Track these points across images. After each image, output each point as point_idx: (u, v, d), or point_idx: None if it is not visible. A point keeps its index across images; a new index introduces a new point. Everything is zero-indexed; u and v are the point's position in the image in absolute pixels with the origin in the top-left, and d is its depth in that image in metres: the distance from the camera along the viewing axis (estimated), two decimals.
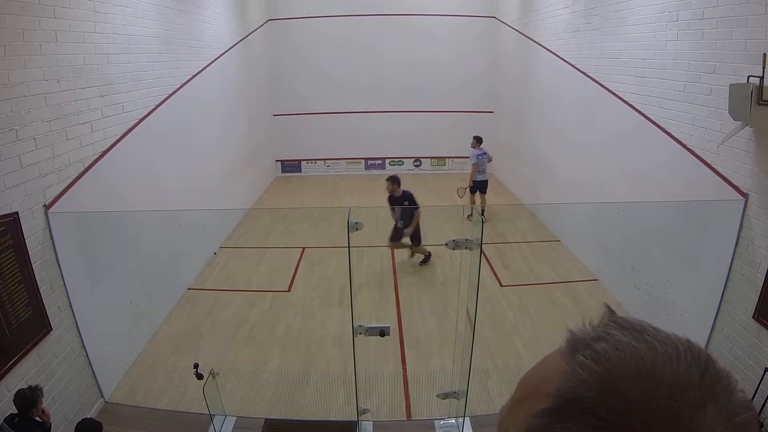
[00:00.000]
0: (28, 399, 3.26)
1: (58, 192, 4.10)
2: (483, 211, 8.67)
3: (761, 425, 3.76)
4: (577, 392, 0.43)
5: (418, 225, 7.11)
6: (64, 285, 4.14)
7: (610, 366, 0.43)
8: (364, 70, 12.58)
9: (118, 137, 5.08)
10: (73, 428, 3.61)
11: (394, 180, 7.18)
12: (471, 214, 7.89)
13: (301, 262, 7.69)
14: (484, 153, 9.17)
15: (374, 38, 12.42)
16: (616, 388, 0.41)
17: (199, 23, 7.63)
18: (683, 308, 5.01)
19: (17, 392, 3.31)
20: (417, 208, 7.11)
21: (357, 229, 4.27)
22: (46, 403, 3.48)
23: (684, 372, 0.42)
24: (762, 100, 3.63)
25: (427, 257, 7.44)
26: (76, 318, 4.27)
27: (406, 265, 7.57)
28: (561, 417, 0.43)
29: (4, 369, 3.46)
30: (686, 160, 4.96)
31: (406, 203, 7.04)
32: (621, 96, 6.32)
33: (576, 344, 0.48)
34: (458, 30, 12.44)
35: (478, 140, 9.28)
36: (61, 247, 4.09)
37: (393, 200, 7.21)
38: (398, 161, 13.39)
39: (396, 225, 7.21)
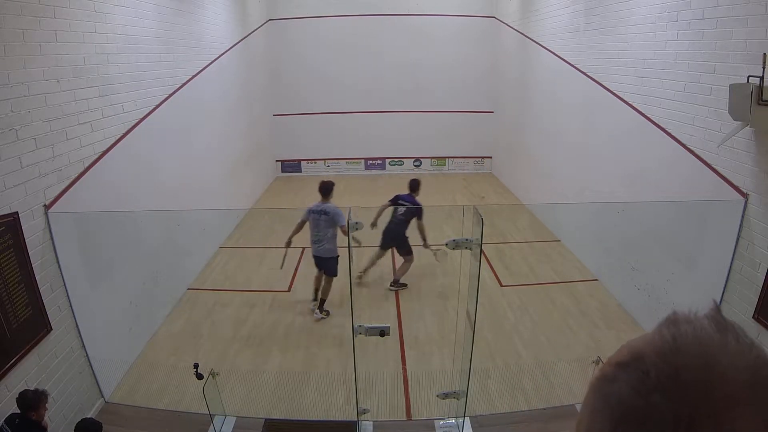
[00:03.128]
0: (28, 400, 3.26)
1: (58, 192, 4.09)
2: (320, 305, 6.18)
3: None
4: (644, 352, 0.49)
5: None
6: (64, 285, 4.14)
7: (680, 343, 0.48)
8: (364, 70, 12.58)
9: (118, 137, 5.08)
10: (73, 428, 3.62)
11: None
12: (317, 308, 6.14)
13: (301, 262, 7.69)
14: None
15: (374, 38, 12.42)
16: (674, 359, 0.47)
17: (199, 23, 7.63)
18: (683, 308, 5.00)
19: (22, 392, 3.32)
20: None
21: (357, 229, 4.28)
22: (48, 415, 3.46)
23: (733, 366, 0.46)
24: (762, 100, 3.63)
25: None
26: (76, 318, 4.27)
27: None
28: (624, 368, 0.49)
29: (4, 369, 3.46)
30: (686, 160, 4.96)
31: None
32: (621, 96, 6.32)
33: (670, 320, 0.52)
34: (458, 30, 12.44)
35: (326, 191, 6.03)
36: (61, 247, 4.09)
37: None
38: (398, 161, 13.40)
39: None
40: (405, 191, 6.90)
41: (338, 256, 6.03)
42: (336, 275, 6.09)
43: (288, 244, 6.11)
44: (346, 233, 5.81)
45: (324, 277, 6.13)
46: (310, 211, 6.00)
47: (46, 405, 3.37)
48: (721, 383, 0.45)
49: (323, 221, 5.93)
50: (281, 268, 6.31)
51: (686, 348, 0.48)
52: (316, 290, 6.24)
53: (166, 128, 6.28)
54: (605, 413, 0.49)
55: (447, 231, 8.15)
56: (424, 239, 6.59)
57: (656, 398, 0.45)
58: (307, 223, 6.07)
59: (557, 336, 5.57)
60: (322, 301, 6.14)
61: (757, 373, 0.46)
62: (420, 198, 6.97)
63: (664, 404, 0.45)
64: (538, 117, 9.69)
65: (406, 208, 6.61)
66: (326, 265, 6.07)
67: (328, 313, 6.17)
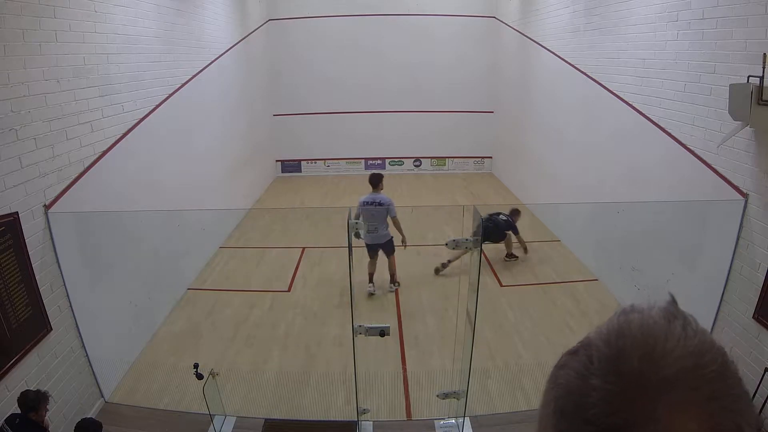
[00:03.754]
0: (29, 401, 3.26)
1: (58, 192, 4.10)
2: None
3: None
4: (592, 340, 0.51)
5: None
6: (64, 285, 4.14)
7: (625, 329, 0.49)
8: (364, 70, 12.58)
9: (118, 137, 5.08)
10: (73, 428, 3.62)
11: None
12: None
13: (301, 262, 7.69)
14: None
15: (374, 38, 12.42)
16: (616, 344, 0.48)
17: (199, 23, 7.63)
18: (683, 308, 5.00)
19: (23, 392, 3.31)
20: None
21: (358, 228, 4.28)
22: (48, 415, 3.45)
23: (674, 350, 0.47)
24: (762, 100, 3.63)
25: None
26: (76, 318, 4.27)
27: (405, 265, 7.56)
28: (573, 354, 0.52)
29: (4, 369, 3.46)
30: (686, 160, 4.96)
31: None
32: (621, 96, 6.32)
33: (623, 310, 0.54)
34: (458, 30, 12.44)
35: (376, 182, 6.47)
36: (61, 247, 4.09)
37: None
38: (398, 161, 13.39)
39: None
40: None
41: (392, 237, 6.53)
42: (394, 252, 6.62)
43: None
44: (396, 223, 6.36)
45: (387, 259, 6.62)
46: (364, 203, 6.36)
47: (47, 406, 3.37)
48: (658, 367, 0.45)
49: (377, 211, 6.35)
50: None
51: (630, 333, 0.49)
52: (371, 275, 6.66)
53: (166, 128, 6.28)
54: (552, 396, 0.51)
55: (447, 231, 8.16)
56: (524, 248, 7.55)
57: (594, 381, 0.47)
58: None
59: (557, 336, 5.57)
60: (393, 275, 6.73)
61: (700, 357, 0.46)
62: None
63: (601, 386, 0.46)
64: (538, 117, 9.69)
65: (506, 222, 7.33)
66: (385, 248, 6.54)
67: (399, 284, 6.80)
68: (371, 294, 6.62)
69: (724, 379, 0.47)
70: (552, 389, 0.52)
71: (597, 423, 0.45)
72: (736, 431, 0.45)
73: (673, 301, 0.55)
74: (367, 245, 6.50)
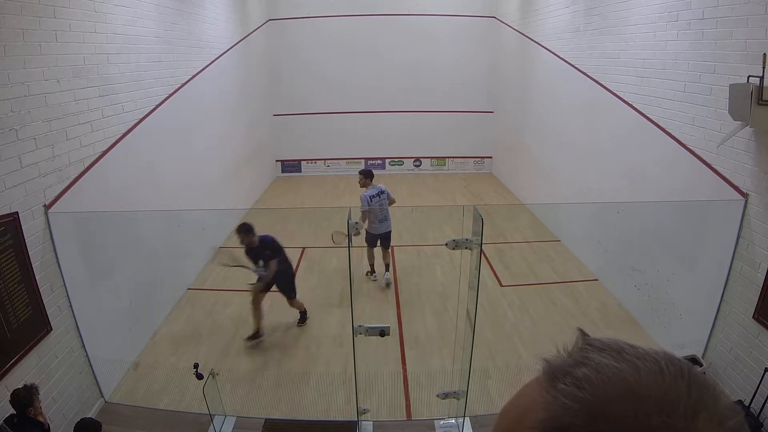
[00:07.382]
0: (23, 398, 3.26)
1: (58, 192, 4.10)
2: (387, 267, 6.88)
3: (761, 425, 3.77)
4: (564, 421, 0.42)
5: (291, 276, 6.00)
6: (64, 285, 4.14)
7: (594, 390, 0.42)
8: (364, 70, 12.58)
9: (118, 137, 5.08)
10: (73, 428, 3.62)
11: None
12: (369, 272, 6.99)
13: (301, 262, 7.68)
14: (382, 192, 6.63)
15: (374, 38, 12.43)
16: (604, 411, 0.41)
17: (199, 23, 7.63)
18: (683, 308, 5.01)
19: (13, 392, 3.31)
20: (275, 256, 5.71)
21: (357, 229, 4.28)
22: (44, 403, 3.46)
23: (671, 386, 0.42)
24: (762, 100, 3.63)
25: (303, 315, 6.06)
26: (76, 318, 4.27)
27: (406, 265, 7.56)
28: None
29: (4, 369, 3.46)
30: (686, 160, 4.96)
31: (267, 252, 5.71)
32: (621, 96, 6.32)
33: (554, 372, 0.46)
34: (458, 30, 12.45)
35: (370, 175, 6.79)
36: (61, 247, 4.09)
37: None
38: (398, 161, 13.40)
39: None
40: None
41: None
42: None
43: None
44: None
45: (386, 251, 6.89)
46: (372, 197, 6.59)
47: (39, 397, 3.37)
48: (669, 408, 0.41)
49: (384, 200, 6.69)
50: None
51: (605, 393, 0.42)
52: (372, 265, 7.03)
53: (166, 128, 6.28)
54: None
55: (447, 231, 8.16)
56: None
57: None
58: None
59: (557, 336, 5.55)
60: (387, 266, 6.97)
61: (687, 377, 0.44)
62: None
63: None
64: (538, 117, 9.69)
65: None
66: (390, 238, 6.87)
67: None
68: (375, 280, 7.00)
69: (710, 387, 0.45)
70: None
71: None
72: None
73: (584, 334, 0.50)
74: (379, 235, 6.76)
